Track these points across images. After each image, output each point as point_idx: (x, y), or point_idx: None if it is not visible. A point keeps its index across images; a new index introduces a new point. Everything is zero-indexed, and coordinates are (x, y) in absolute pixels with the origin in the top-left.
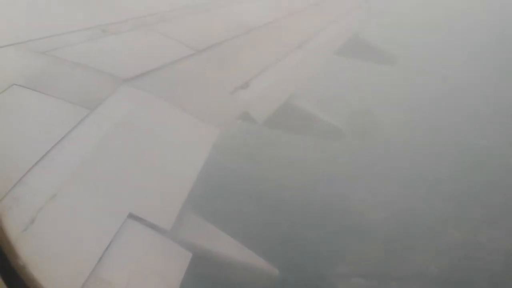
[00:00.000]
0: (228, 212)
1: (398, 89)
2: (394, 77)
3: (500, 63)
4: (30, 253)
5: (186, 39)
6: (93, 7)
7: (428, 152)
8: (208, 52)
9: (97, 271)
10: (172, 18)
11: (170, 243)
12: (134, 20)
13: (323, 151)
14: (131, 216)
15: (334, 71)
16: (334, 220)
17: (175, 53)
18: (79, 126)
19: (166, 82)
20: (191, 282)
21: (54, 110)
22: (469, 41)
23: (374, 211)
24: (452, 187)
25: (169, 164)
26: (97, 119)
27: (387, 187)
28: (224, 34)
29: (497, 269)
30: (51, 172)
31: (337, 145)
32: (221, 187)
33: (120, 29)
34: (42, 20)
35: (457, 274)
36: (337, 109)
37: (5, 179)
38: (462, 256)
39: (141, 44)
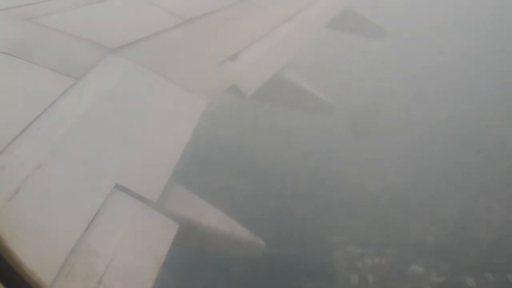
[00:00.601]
0: (215, 184)
1: (390, 62)
2: (386, 50)
3: (498, 36)
4: (14, 222)
5: (174, 8)
6: None
7: (422, 124)
8: (197, 22)
9: (83, 240)
10: None
11: (156, 214)
12: None
13: (313, 124)
14: (118, 187)
15: (325, 44)
16: (326, 191)
17: (163, 22)
18: (65, 95)
19: (153, 52)
20: (177, 253)
21: (39, 79)
22: (467, 13)
23: (369, 183)
24: (446, 159)
25: (156, 136)
26: (83, 89)
27: (380, 159)
28: (214, 3)
29: (491, 239)
30: (36, 141)
31: (328, 118)
32: (208, 159)
33: None
34: None
35: (452, 243)
36: (328, 82)
37: None
38: (458, 226)
39: (128, 13)
